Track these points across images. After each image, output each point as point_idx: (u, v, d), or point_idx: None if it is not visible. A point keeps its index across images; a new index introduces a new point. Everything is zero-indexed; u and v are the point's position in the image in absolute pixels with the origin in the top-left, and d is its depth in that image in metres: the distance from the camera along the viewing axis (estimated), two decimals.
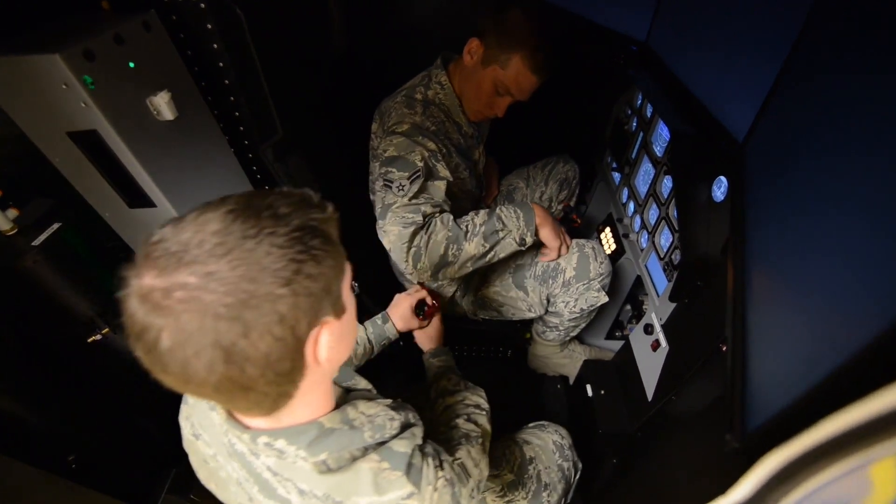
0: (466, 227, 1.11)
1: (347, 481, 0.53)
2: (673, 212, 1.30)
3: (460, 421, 0.86)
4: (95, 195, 0.85)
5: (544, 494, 1.06)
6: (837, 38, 0.69)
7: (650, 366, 1.35)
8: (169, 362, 0.40)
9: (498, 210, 1.15)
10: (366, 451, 0.56)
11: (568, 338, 1.63)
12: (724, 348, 0.67)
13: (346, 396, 0.65)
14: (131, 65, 0.76)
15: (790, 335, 0.54)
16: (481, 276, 1.46)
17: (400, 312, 1.08)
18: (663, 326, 1.31)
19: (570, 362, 1.75)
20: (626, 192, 1.62)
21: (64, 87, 0.67)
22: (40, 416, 1.00)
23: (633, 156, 1.58)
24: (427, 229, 1.07)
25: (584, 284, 1.36)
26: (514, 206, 1.18)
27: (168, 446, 1.15)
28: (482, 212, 1.15)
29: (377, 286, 1.54)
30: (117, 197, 0.84)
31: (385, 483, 0.54)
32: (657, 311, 1.35)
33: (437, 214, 1.10)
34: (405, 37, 1.54)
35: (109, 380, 1.08)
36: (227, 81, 0.97)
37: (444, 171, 1.13)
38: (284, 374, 0.46)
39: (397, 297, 1.13)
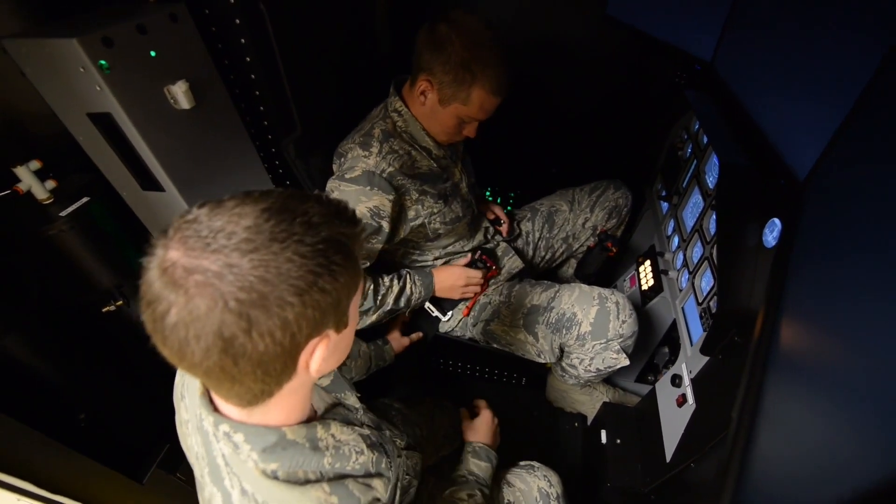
0: (379, 300, 1.16)
1: (290, 500, 0.52)
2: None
3: None
4: (113, 175, 0.90)
5: None
6: None
7: (673, 422, 1.20)
8: (170, 336, 0.41)
9: (409, 286, 1.23)
10: (320, 477, 0.54)
11: (588, 384, 1.50)
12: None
13: (330, 409, 0.65)
14: (153, 53, 0.79)
15: (809, 438, 0.42)
16: (494, 308, 1.38)
17: (396, 337, 1.28)
18: (693, 381, 1.16)
19: (589, 400, 1.61)
20: (672, 224, 1.47)
21: (81, 70, 0.71)
22: (57, 372, 1.07)
23: (684, 185, 1.43)
24: None
25: (601, 343, 1.24)
26: (419, 277, 1.25)
27: (164, 421, 1.19)
28: (396, 285, 1.20)
29: None
30: (132, 178, 0.88)
31: None
32: (688, 362, 1.20)
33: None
34: None
35: (118, 350, 1.14)
36: (253, 76, 0.99)
37: (387, 226, 1.09)
38: (274, 375, 0.47)
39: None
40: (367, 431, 0.64)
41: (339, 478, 0.56)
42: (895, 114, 0.61)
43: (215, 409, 0.53)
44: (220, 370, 0.43)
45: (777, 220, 0.91)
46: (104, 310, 1.05)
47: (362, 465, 0.59)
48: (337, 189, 1.06)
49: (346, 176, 1.05)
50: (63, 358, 1.06)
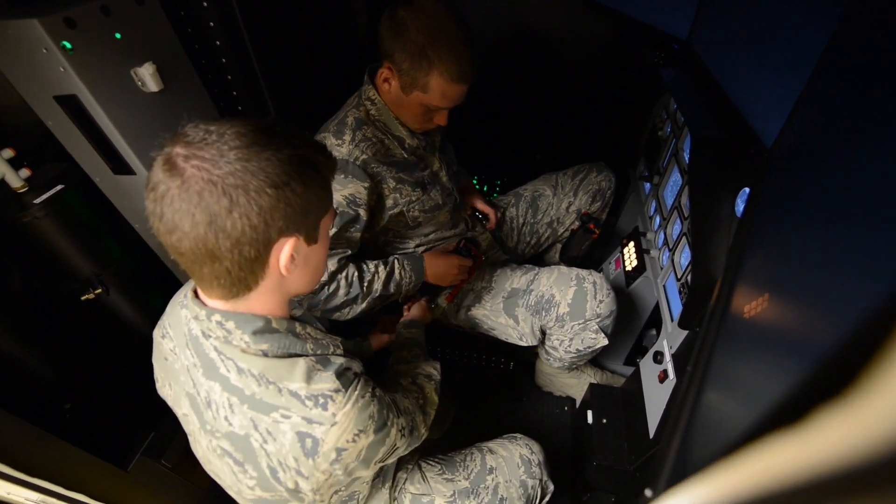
0: (365, 286, 1.15)
1: (282, 367, 0.59)
2: None
3: (404, 382, 0.91)
4: (84, 159, 0.90)
5: None
6: (870, 40, 0.56)
7: (656, 398, 1.21)
8: (166, 212, 0.50)
9: (397, 271, 1.20)
10: (304, 356, 0.61)
11: (574, 367, 1.50)
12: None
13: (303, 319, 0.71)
14: (118, 35, 0.80)
15: (741, 382, 0.42)
16: (475, 293, 1.38)
17: (376, 335, 1.28)
18: (673, 356, 1.16)
19: (577, 384, 1.62)
20: (654, 204, 1.47)
21: (44, 51, 0.71)
22: (41, 362, 1.07)
23: (664, 164, 1.43)
24: (330, 286, 1.09)
25: (579, 324, 1.24)
26: (409, 262, 1.23)
27: (148, 409, 1.19)
28: (383, 271, 1.18)
29: None
30: (103, 162, 0.88)
31: (315, 376, 0.59)
32: (669, 338, 1.21)
33: (342, 271, 1.10)
34: None
35: (98, 338, 1.15)
36: (224, 60, 0.99)
37: (364, 214, 1.09)
38: (249, 261, 0.54)
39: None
40: (339, 339, 0.70)
41: (322, 355, 0.63)
42: (847, 83, 0.61)
43: (205, 305, 0.60)
44: (203, 245, 0.51)
45: (748, 190, 0.91)
46: (83, 298, 1.05)
47: (342, 352, 0.66)
48: None
49: None
50: (45, 347, 1.06)
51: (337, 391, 0.59)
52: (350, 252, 1.15)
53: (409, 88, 1.03)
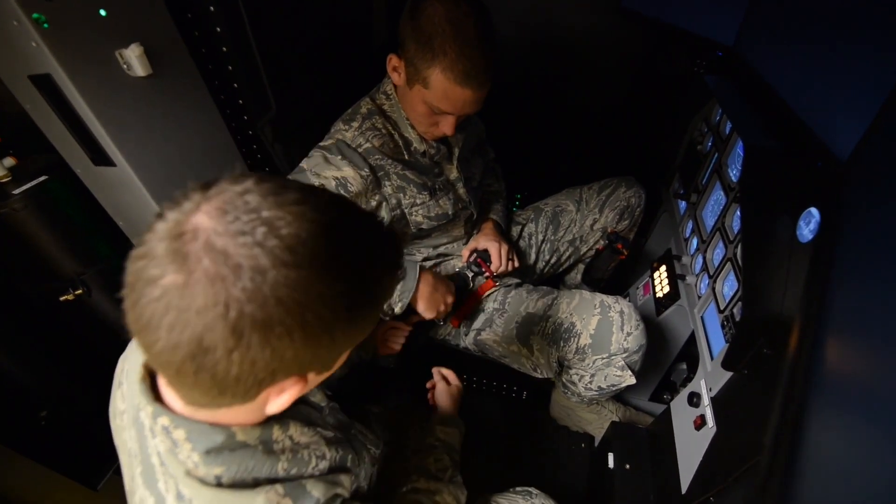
0: None
1: None
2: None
3: None
4: (64, 148, 0.83)
5: None
6: None
7: (690, 447, 1.05)
8: (145, 306, 0.34)
9: None
10: (273, 481, 0.47)
11: (594, 402, 1.35)
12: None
13: (291, 407, 0.55)
14: (103, 12, 0.73)
15: (867, 478, 0.29)
16: (486, 316, 1.25)
17: (380, 338, 1.13)
18: (713, 400, 1.01)
19: (597, 419, 1.46)
20: (690, 225, 1.33)
21: (15, 24, 0.65)
22: (15, 364, 1.00)
23: (705, 181, 1.29)
24: None
25: (602, 359, 1.09)
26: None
27: None
28: None
29: None
30: (83, 151, 0.81)
31: None
32: (707, 378, 1.05)
33: None
34: None
35: (75, 343, 1.07)
36: (224, 48, 0.92)
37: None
38: (228, 397, 0.39)
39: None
40: (331, 434, 0.55)
41: (297, 479, 0.49)
42: None
43: (157, 399, 0.46)
44: (175, 370, 0.36)
45: (814, 210, 0.77)
46: (61, 298, 0.97)
47: (327, 466, 0.53)
48: (309, 156, 1.00)
49: (321, 144, 1.00)
50: (18, 349, 0.99)
51: None
52: None
53: (412, 80, 0.93)
